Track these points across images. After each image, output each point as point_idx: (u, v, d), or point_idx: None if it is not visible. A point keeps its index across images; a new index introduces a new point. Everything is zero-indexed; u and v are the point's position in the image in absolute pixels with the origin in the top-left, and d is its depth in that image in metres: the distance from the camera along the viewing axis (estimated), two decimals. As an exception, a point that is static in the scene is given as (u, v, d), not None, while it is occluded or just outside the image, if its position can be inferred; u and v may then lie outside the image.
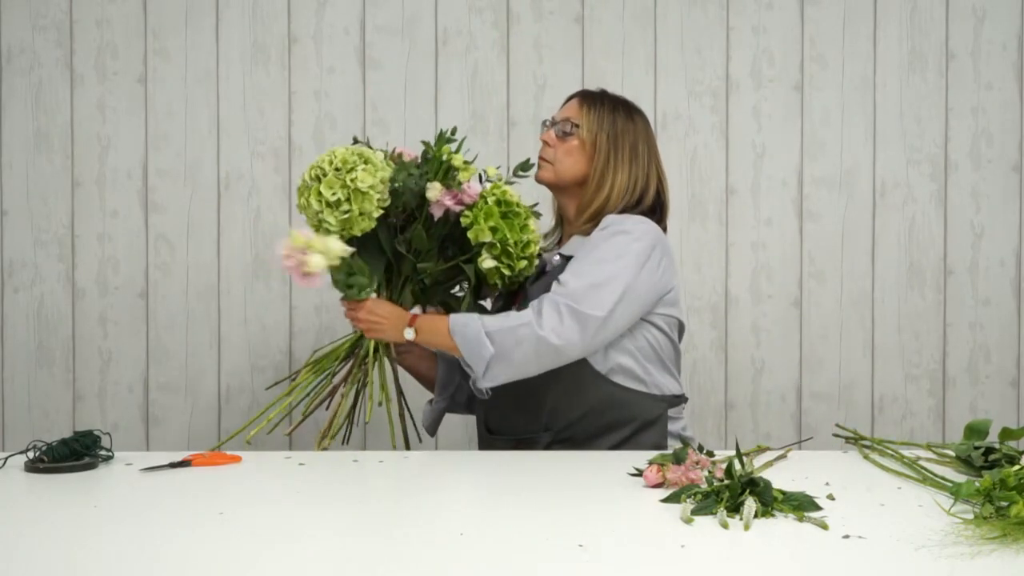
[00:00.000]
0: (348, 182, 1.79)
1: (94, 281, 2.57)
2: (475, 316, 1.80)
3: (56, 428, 2.54)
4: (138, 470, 1.54)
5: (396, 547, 1.16)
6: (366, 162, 1.82)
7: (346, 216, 1.80)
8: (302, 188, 1.87)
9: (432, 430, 2.07)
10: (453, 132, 1.91)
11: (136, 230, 2.56)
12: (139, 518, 1.27)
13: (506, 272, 1.87)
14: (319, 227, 1.83)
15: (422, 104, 2.57)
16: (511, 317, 1.78)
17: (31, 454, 1.56)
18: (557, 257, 1.91)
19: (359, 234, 1.84)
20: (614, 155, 1.90)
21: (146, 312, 2.57)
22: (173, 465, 1.57)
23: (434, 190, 1.85)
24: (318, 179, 1.83)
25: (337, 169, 1.81)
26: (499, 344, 1.75)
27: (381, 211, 1.83)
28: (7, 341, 2.57)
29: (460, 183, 1.86)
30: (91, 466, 1.56)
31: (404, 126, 2.56)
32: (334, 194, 1.80)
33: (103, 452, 1.60)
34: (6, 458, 1.59)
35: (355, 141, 1.97)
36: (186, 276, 2.57)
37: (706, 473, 1.38)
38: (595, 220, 1.89)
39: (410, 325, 1.84)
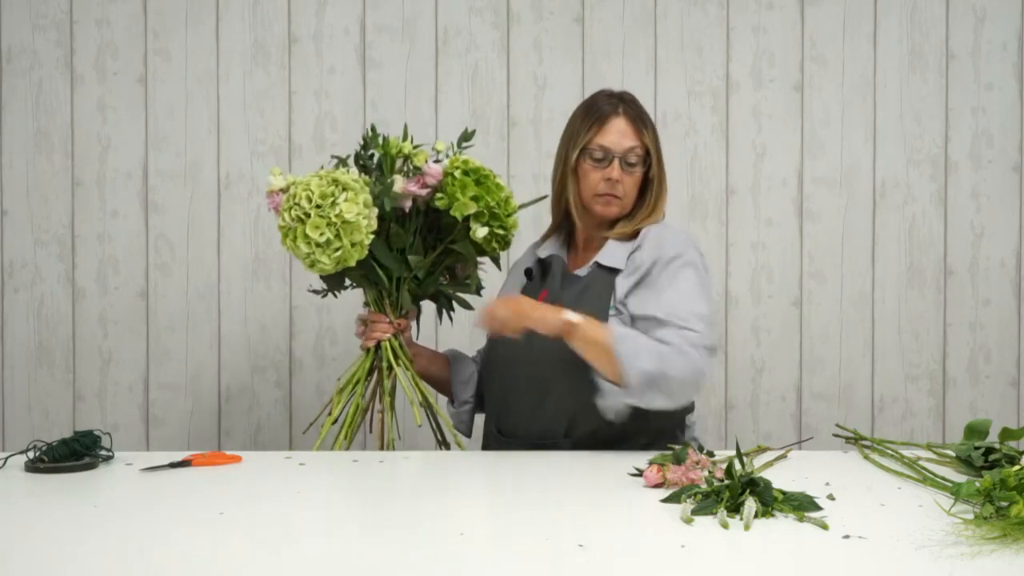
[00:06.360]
0: (333, 218, 1.70)
1: (94, 281, 2.56)
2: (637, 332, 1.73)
3: (56, 428, 2.54)
4: (138, 470, 1.54)
5: (396, 547, 1.16)
6: (344, 188, 1.73)
7: (339, 253, 1.73)
8: (285, 230, 1.76)
9: (469, 432, 2.06)
10: (374, 130, 1.89)
11: (136, 230, 2.56)
12: (139, 518, 1.27)
13: (500, 232, 1.86)
14: (313, 267, 1.76)
15: (422, 104, 2.57)
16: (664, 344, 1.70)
17: (31, 454, 1.56)
18: (593, 265, 1.85)
19: (354, 264, 1.78)
20: (659, 164, 1.90)
21: (146, 312, 2.57)
22: (173, 465, 1.57)
23: (398, 183, 1.82)
24: (301, 220, 1.72)
25: (318, 206, 1.71)
26: (660, 361, 1.66)
27: (372, 236, 1.76)
28: (7, 341, 2.57)
29: (419, 168, 1.84)
30: (91, 466, 1.56)
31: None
32: (322, 234, 1.70)
33: (103, 452, 1.60)
34: (6, 458, 1.59)
35: (339, 162, 1.88)
36: (186, 276, 2.57)
37: (706, 473, 1.38)
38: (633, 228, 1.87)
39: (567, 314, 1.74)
